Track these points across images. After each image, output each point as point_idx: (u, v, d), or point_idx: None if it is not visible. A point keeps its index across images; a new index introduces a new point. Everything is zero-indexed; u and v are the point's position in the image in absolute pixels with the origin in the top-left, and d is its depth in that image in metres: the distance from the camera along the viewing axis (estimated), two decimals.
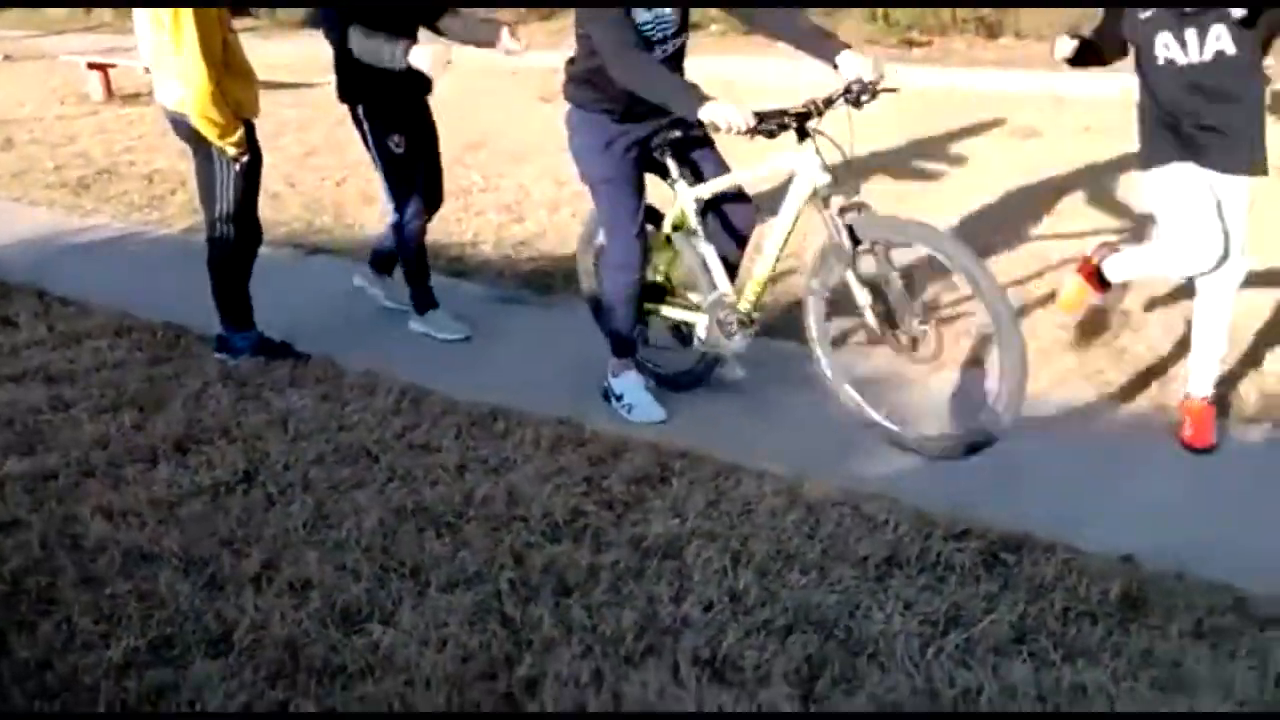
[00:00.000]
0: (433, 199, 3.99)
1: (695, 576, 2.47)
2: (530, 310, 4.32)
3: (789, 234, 3.08)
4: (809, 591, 2.41)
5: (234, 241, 3.63)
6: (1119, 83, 7.24)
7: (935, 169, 5.99)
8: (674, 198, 3.27)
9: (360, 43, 3.48)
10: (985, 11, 9.93)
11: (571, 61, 3.16)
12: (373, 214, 5.50)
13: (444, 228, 5.09)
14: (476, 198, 5.81)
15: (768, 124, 2.77)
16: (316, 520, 2.72)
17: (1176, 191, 2.91)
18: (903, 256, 3.00)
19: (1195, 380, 3.07)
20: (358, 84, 3.69)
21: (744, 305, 3.21)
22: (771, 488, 2.83)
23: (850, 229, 2.84)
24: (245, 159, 3.49)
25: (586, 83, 3.08)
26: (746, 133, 2.75)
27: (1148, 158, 2.99)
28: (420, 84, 3.75)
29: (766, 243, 3.13)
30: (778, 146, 2.92)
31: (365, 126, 3.78)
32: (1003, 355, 2.74)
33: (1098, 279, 3.25)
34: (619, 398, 3.37)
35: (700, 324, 3.32)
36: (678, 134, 3.11)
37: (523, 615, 2.34)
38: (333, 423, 3.24)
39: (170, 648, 2.28)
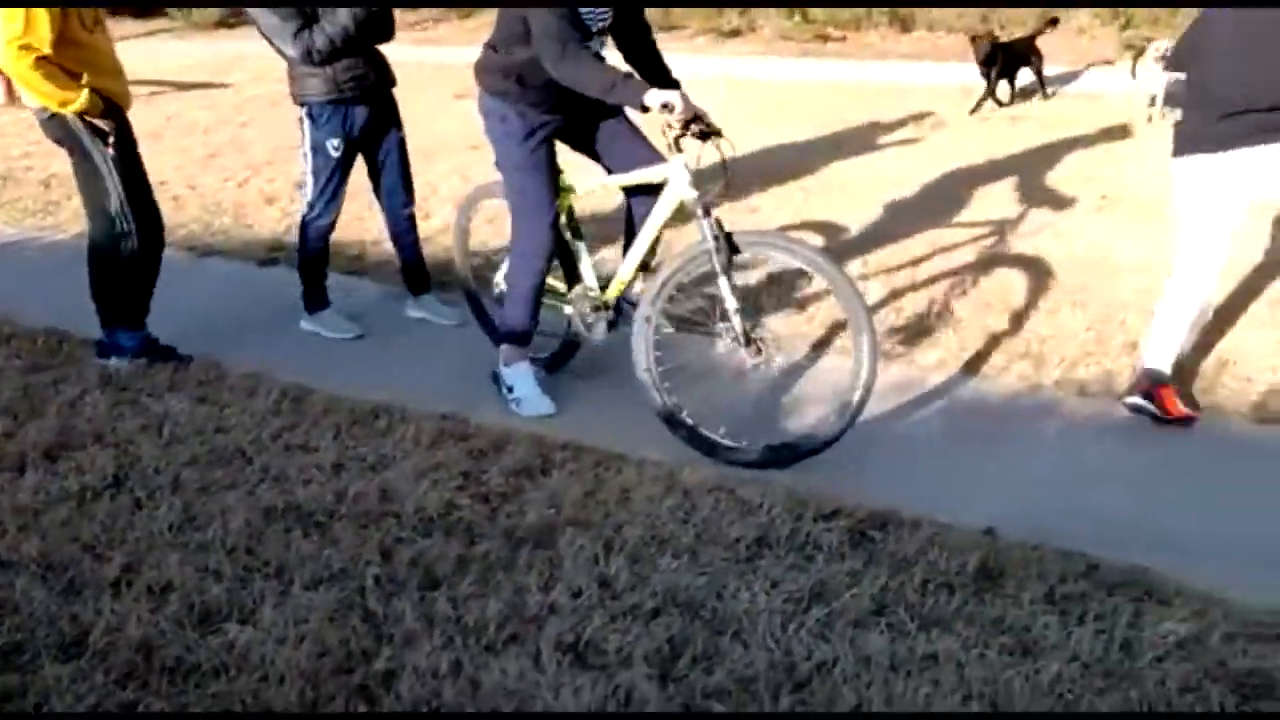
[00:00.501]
0: (408, 188, 4.03)
1: (566, 565, 2.47)
2: None
3: (655, 239, 3.14)
4: (679, 575, 2.42)
5: (135, 234, 3.53)
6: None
7: (846, 161, 6.06)
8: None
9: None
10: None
11: (493, 50, 3.14)
12: (273, 214, 5.42)
13: (346, 226, 5.01)
14: None
15: (698, 125, 2.83)
16: (183, 523, 2.67)
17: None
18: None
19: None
20: (307, 87, 3.69)
21: (606, 299, 3.30)
22: (650, 475, 2.84)
23: (729, 238, 2.88)
24: (112, 136, 3.41)
25: (514, 78, 3.08)
26: (681, 125, 2.81)
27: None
28: (384, 79, 3.80)
29: (633, 246, 3.18)
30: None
31: (306, 125, 3.76)
32: (859, 370, 2.82)
33: (1151, 382, 3.10)
34: (509, 389, 3.36)
35: (567, 313, 3.42)
36: (584, 126, 3.15)
37: (385, 609, 2.32)
38: (209, 425, 3.18)
39: (20, 653, 2.22)
